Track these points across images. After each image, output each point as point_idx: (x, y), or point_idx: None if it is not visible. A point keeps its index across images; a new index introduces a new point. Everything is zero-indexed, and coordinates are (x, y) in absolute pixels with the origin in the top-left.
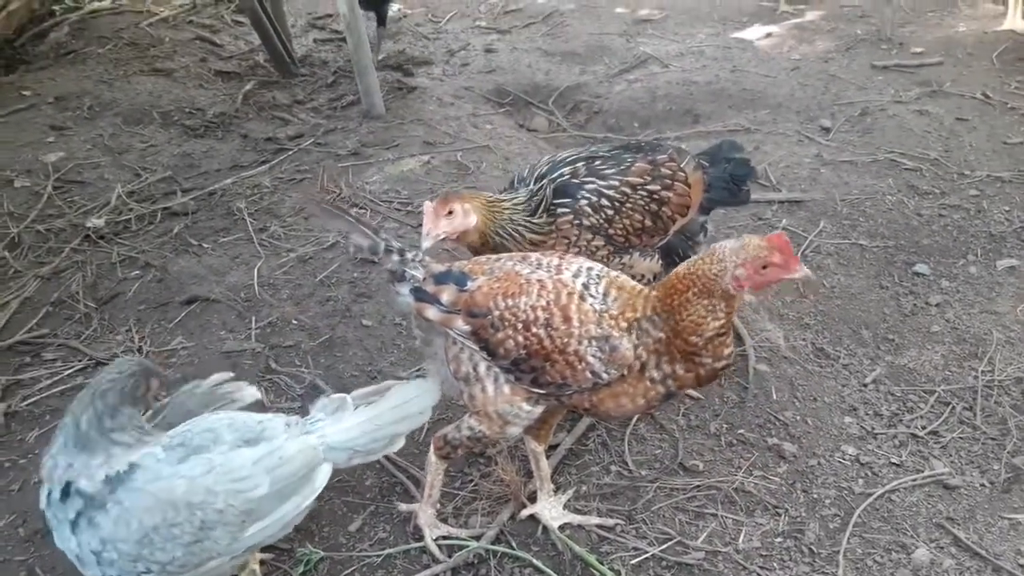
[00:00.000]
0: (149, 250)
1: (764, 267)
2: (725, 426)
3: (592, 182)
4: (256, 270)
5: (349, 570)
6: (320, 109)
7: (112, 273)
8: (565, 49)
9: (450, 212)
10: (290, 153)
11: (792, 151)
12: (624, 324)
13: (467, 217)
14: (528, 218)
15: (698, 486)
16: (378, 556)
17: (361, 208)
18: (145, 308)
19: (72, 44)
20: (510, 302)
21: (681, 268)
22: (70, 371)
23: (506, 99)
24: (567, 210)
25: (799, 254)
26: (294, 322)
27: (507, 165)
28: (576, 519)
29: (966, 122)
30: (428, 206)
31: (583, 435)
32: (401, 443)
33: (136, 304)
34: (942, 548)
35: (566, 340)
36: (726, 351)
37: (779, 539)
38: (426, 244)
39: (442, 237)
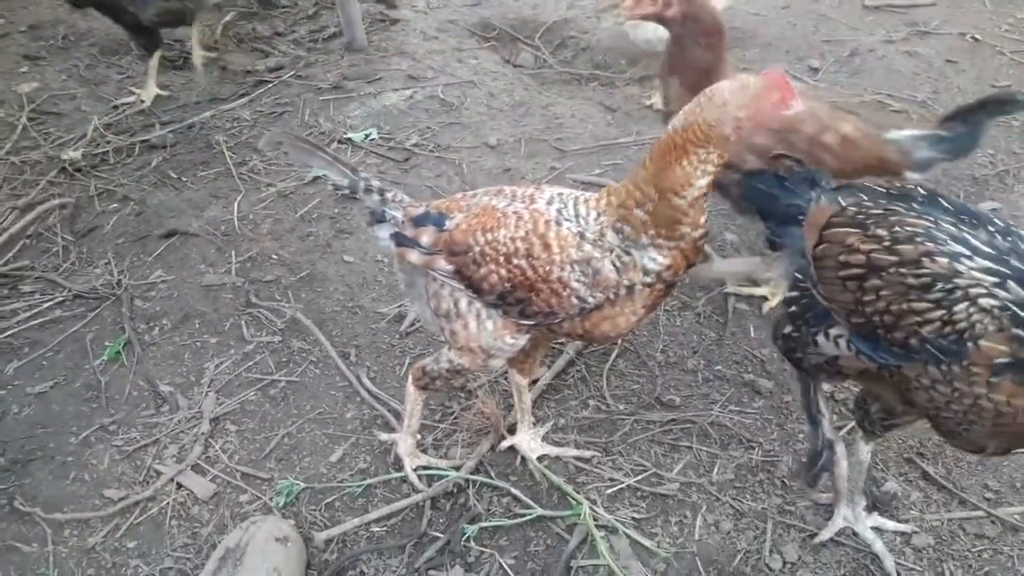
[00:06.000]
0: (127, 183)
1: (762, 104)
2: (703, 363)
3: None
4: (236, 204)
5: (330, 499)
6: (301, 41)
7: (90, 206)
8: None
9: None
10: (270, 86)
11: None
12: (619, 217)
13: None
14: None
15: (674, 420)
16: (359, 486)
17: (342, 143)
18: (124, 241)
19: None
20: (489, 236)
21: (678, 121)
22: (48, 303)
23: (491, 33)
24: None
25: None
26: (274, 257)
27: (492, 101)
28: (554, 451)
29: (955, 64)
30: None
31: (562, 370)
32: None
33: (114, 237)
34: (911, 481)
35: (548, 268)
36: (702, 218)
37: (752, 471)
38: None
39: None
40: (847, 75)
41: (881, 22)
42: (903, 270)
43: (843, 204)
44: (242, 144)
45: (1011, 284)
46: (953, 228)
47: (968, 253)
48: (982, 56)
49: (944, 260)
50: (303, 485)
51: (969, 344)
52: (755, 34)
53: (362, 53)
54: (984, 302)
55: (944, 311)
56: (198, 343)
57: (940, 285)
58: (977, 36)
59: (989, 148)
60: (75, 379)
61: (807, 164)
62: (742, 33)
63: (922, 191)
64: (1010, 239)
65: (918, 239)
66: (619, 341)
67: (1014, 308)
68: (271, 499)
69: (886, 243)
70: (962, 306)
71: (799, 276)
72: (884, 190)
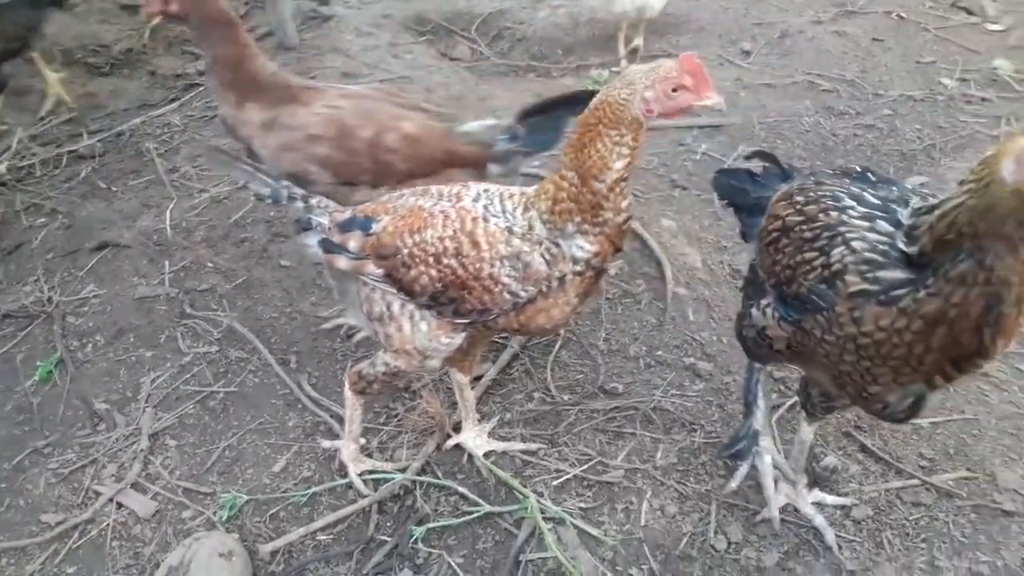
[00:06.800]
0: (55, 196)
1: (674, 90)
2: (644, 349)
3: None
4: (168, 213)
5: (274, 510)
6: None
7: (16, 221)
8: None
9: None
10: (201, 89)
11: (712, 75)
12: (545, 208)
13: None
14: None
15: (617, 407)
16: (304, 495)
17: None
18: (53, 256)
19: None
20: (417, 237)
21: (594, 100)
22: None
23: (427, 27)
24: None
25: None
26: (209, 265)
27: (428, 96)
28: (500, 446)
29: (882, 42)
30: None
31: (507, 365)
32: None
33: (43, 253)
34: (849, 455)
35: (479, 265)
36: (624, 203)
37: (695, 454)
38: None
39: None
40: (778, 56)
41: (810, 3)
42: (804, 227)
43: (792, 186)
44: (173, 150)
45: (879, 223)
46: (858, 190)
47: (856, 205)
48: (907, 33)
49: (835, 214)
50: (246, 497)
51: (838, 284)
52: (688, 19)
53: (295, 52)
54: (855, 244)
55: (824, 256)
56: (133, 358)
57: (825, 234)
58: (902, 14)
59: (916, 123)
60: (5, 402)
61: (377, 167)
62: (675, 19)
63: (858, 168)
64: (902, 192)
65: (822, 200)
66: (562, 332)
67: (874, 242)
68: (214, 513)
69: (799, 207)
70: (838, 250)
71: (754, 258)
72: (831, 171)
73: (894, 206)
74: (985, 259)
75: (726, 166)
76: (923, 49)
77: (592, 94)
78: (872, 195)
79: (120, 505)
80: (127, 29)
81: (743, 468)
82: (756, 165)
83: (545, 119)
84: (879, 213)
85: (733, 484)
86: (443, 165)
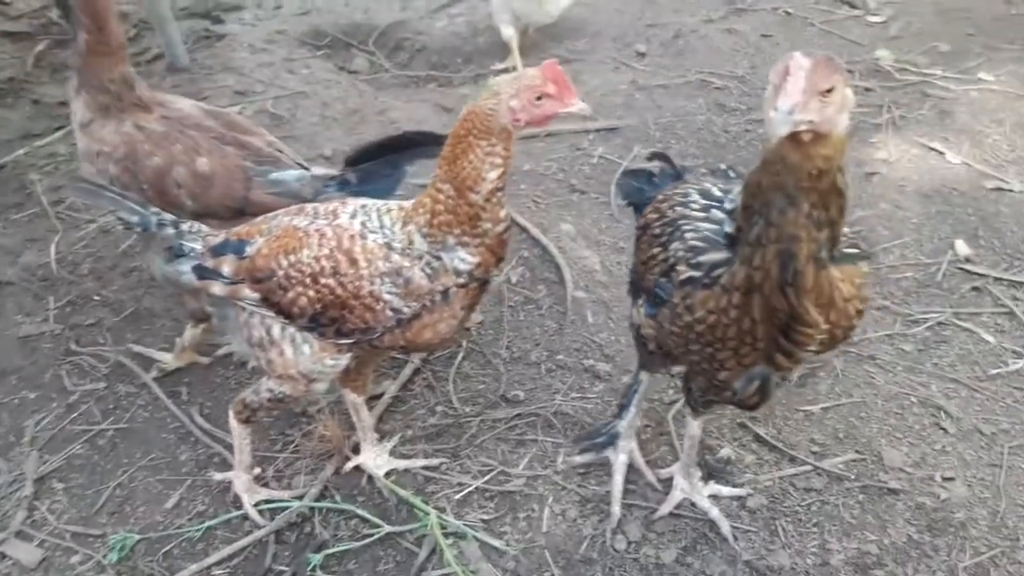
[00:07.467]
0: None
1: (539, 98)
2: (545, 354)
3: None
4: (53, 246)
5: (168, 548)
6: None
7: None
8: None
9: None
10: None
11: (608, 79)
12: (424, 222)
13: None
14: None
15: (519, 415)
16: (198, 530)
17: None
18: None
19: None
20: (292, 258)
21: (463, 111)
22: None
23: (324, 41)
24: None
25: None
26: (96, 298)
27: (325, 111)
28: (402, 464)
29: (770, 38)
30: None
31: (409, 381)
32: None
33: None
34: (744, 445)
35: (358, 283)
36: (502, 212)
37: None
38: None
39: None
40: (672, 57)
41: (702, 3)
42: (656, 224)
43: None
44: (59, 181)
45: (714, 212)
46: (709, 186)
47: (699, 199)
48: (794, 28)
49: (679, 209)
50: (138, 537)
51: (673, 275)
52: (584, 23)
53: (186, 73)
54: (687, 235)
55: (665, 251)
56: (16, 400)
57: (668, 230)
58: (789, 10)
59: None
60: None
61: (163, 199)
62: (572, 23)
63: (723, 167)
64: None
65: (674, 198)
66: (463, 343)
67: (704, 231)
68: (104, 556)
69: (656, 205)
70: (675, 244)
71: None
72: (707, 170)
73: (734, 196)
74: (771, 216)
75: (628, 168)
76: (809, 43)
77: (429, 135)
78: (720, 188)
79: (3, 556)
80: (9, 57)
81: (590, 456)
82: (657, 166)
83: (380, 164)
84: (716, 204)
85: (577, 459)
86: (238, 212)
